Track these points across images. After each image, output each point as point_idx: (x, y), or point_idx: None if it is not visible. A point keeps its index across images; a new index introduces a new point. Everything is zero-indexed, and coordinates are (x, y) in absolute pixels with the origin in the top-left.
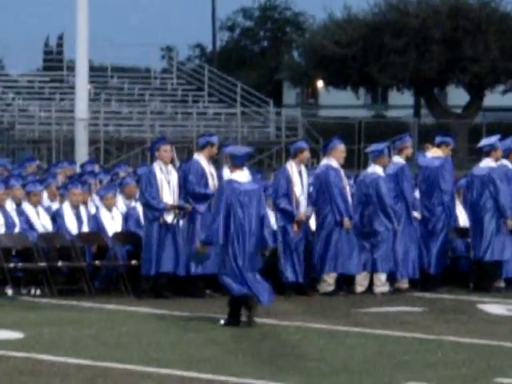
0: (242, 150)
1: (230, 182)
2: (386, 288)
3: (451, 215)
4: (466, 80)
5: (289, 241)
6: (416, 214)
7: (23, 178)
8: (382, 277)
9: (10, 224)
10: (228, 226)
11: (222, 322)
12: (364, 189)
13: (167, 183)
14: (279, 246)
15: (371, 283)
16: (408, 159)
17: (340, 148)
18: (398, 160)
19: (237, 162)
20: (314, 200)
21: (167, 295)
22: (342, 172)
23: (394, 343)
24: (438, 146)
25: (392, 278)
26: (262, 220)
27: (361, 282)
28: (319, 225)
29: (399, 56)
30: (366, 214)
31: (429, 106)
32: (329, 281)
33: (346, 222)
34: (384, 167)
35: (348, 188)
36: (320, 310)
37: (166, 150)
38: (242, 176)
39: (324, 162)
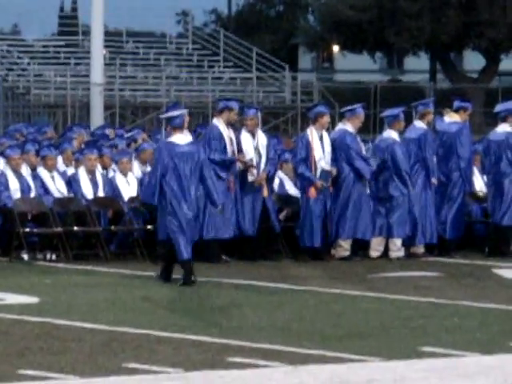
0: (175, 112)
1: (168, 143)
2: (401, 253)
3: (468, 181)
4: (482, 44)
5: (307, 206)
6: (433, 180)
7: (38, 142)
8: (397, 242)
9: (25, 189)
10: (163, 188)
11: (182, 281)
12: (380, 153)
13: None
14: (301, 210)
15: (387, 248)
16: (429, 124)
17: (361, 116)
18: (420, 125)
19: (174, 124)
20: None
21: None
22: (358, 137)
23: (409, 308)
24: (456, 110)
25: (407, 243)
26: (205, 181)
27: (376, 247)
28: (337, 189)
29: (415, 20)
30: (381, 179)
31: (445, 70)
32: (345, 246)
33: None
34: (399, 132)
35: (364, 153)
36: (336, 275)
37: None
38: (181, 138)
39: (339, 126)
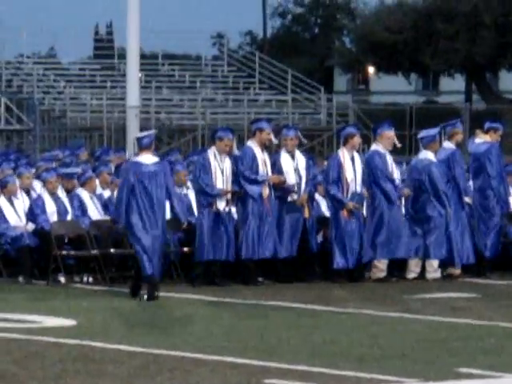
0: (145, 132)
1: (134, 163)
2: (438, 274)
3: (503, 200)
4: None
5: (339, 227)
6: (467, 200)
7: (77, 165)
8: (434, 263)
9: (62, 211)
10: (131, 207)
11: (145, 296)
12: (416, 174)
13: (220, 171)
14: (331, 232)
15: (423, 269)
16: (459, 145)
17: (387, 134)
18: (449, 145)
19: (142, 144)
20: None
21: (219, 282)
22: (389, 157)
23: (446, 329)
24: (487, 131)
25: (444, 264)
26: (171, 200)
27: (413, 269)
28: (370, 210)
29: (450, 41)
30: (419, 199)
31: (480, 91)
32: (381, 266)
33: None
34: (435, 153)
35: (396, 174)
36: (371, 296)
37: (228, 145)
38: (148, 158)
39: (373, 147)
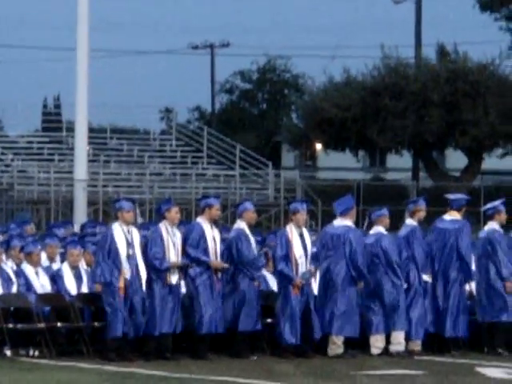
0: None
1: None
2: (401, 347)
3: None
4: (465, 143)
5: (288, 303)
6: (426, 277)
7: (23, 238)
8: (399, 336)
9: (8, 284)
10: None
11: None
12: (369, 249)
13: (172, 244)
14: (277, 308)
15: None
16: (420, 222)
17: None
18: (411, 222)
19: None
20: (325, 258)
21: (169, 356)
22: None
23: None
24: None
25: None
26: None
27: (375, 344)
28: (324, 285)
29: (398, 119)
30: (374, 273)
31: (427, 169)
32: (338, 343)
33: (360, 284)
34: (386, 228)
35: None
36: (319, 372)
37: (177, 212)
38: None
39: (338, 221)
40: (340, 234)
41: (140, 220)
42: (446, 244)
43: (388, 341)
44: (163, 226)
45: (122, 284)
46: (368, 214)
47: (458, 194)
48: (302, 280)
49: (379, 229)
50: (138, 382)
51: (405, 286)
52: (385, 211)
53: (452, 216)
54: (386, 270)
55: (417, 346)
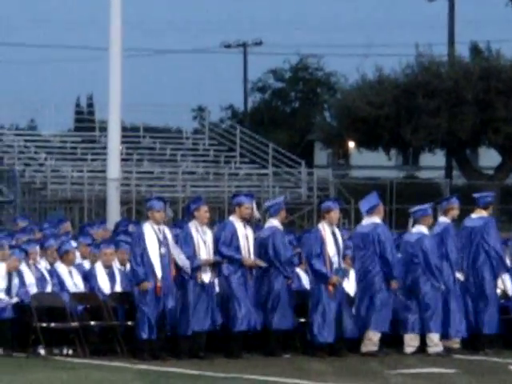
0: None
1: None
2: (439, 348)
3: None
4: (498, 141)
5: (321, 302)
6: (459, 275)
7: (58, 237)
8: (434, 337)
9: (42, 283)
10: None
11: None
12: (409, 248)
13: (203, 242)
14: (311, 306)
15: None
16: (454, 220)
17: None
18: (444, 220)
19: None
20: (359, 259)
21: (203, 355)
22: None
23: None
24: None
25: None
26: None
27: (410, 343)
28: (361, 285)
29: (432, 117)
30: (413, 274)
31: (460, 167)
32: (374, 339)
33: (394, 283)
34: (429, 227)
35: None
36: (352, 371)
37: (206, 211)
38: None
39: (366, 219)
40: (368, 232)
41: (170, 214)
42: (473, 242)
43: (423, 341)
44: (193, 225)
45: (157, 284)
46: (411, 213)
47: (485, 191)
48: (338, 278)
49: (421, 228)
50: (170, 381)
51: (443, 287)
52: (429, 210)
53: (478, 214)
54: (425, 271)
55: (455, 343)
